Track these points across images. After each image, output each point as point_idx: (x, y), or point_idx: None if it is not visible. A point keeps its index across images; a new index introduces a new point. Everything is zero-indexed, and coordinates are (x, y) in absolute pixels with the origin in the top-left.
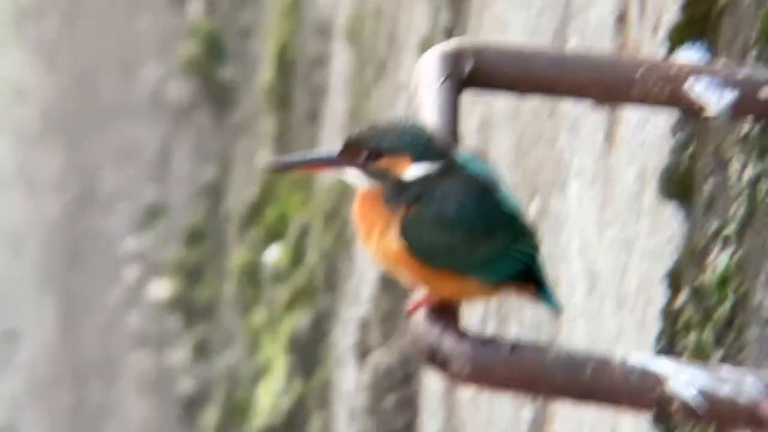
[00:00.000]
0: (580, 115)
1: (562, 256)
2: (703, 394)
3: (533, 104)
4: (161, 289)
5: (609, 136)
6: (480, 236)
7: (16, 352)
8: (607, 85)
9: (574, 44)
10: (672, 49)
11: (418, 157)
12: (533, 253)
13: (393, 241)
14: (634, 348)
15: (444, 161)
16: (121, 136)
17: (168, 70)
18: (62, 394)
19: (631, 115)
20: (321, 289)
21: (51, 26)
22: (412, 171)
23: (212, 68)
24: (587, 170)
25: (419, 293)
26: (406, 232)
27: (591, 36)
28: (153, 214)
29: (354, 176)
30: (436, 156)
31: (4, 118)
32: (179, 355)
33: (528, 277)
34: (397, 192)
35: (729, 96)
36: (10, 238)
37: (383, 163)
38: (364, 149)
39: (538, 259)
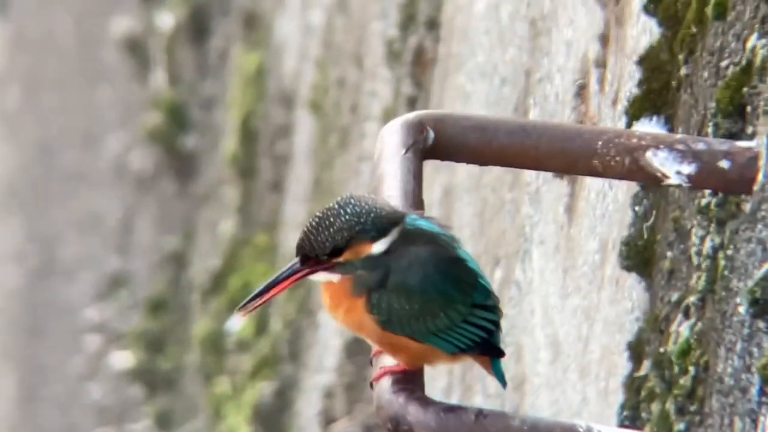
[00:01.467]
0: (542, 186)
1: (525, 325)
2: None
3: (495, 174)
4: (123, 359)
5: (570, 207)
6: (439, 307)
7: None
8: (568, 156)
9: (535, 115)
10: (631, 122)
11: (376, 237)
12: (492, 326)
13: (359, 313)
14: (598, 417)
15: (397, 226)
16: (83, 206)
17: (131, 140)
18: None
19: (591, 185)
20: (285, 358)
21: (12, 96)
22: (376, 248)
23: (175, 138)
24: (549, 240)
25: (382, 362)
26: (372, 306)
27: (552, 107)
28: (115, 284)
29: (323, 277)
30: (389, 227)
31: None
32: (141, 426)
33: (486, 346)
34: (363, 276)
35: (688, 167)
36: None
37: (347, 255)
38: (322, 253)
39: (498, 330)
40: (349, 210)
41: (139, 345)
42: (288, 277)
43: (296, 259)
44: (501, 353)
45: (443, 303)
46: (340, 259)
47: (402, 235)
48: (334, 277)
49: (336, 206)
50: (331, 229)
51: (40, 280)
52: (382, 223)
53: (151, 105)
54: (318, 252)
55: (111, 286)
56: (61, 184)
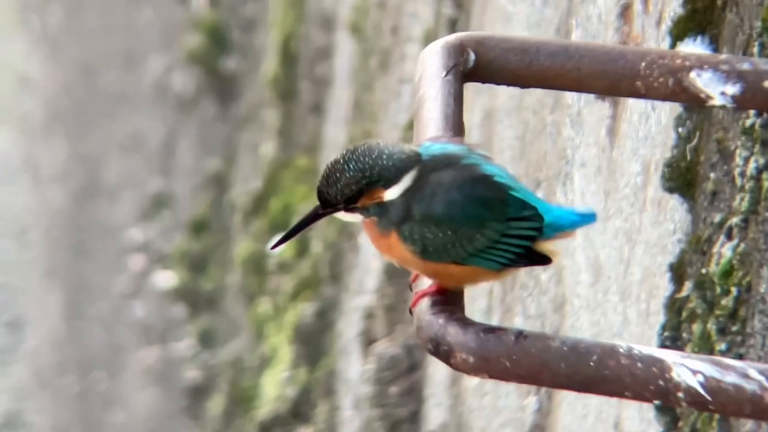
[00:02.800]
0: (584, 108)
1: (565, 247)
2: (708, 383)
3: (536, 96)
4: (166, 279)
5: (612, 129)
6: (472, 228)
7: (22, 341)
8: (611, 77)
9: (577, 36)
10: (675, 43)
11: (387, 184)
12: (535, 233)
13: (398, 248)
14: (638, 338)
15: (413, 168)
16: (125, 127)
17: (172, 62)
18: (67, 383)
19: (634, 107)
20: (325, 279)
21: (55, 17)
22: (389, 194)
23: (216, 60)
24: (590, 163)
25: (420, 286)
26: (404, 239)
27: (594, 28)
28: (157, 205)
29: (345, 218)
30: (400, 173)
31: (8, 109)
32: (184, 344)
33: (531, 256)
34: (386, 214)
35: (732, 88)
36: (16, 229)
37: (362, 202)
38: (337, 203)
39: (540, 236)
40: (352, 165)
41: (182, 265)
42: (310, 220)
43: (317, 204)
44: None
45: (475, 224)
46: (358, 204)
47: (421, 171)
48: (357, 218)
49: (341, 160)
50: (339, 184)
51: (84, 200)
52: (390, 171)
53: (192, 26)
54: (333, 202)
55: (153, 207)
56: (103, 105)
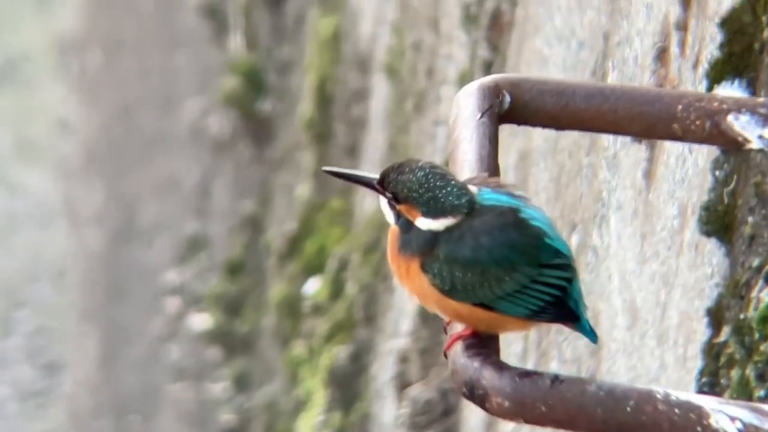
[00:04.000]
0: (620, 150)
1: (602, 291)
2: (747, 430)
3: (572, 139)
4: (201, 321)
5: (648, 172)
6: (502, 271)
7: (58, 384)
8: (647, 120)
9: (613, 79)
10: (712, 86)
11: (426, 213)
12: (565, 283)
13: (420, 281)
14: (676, 384)
15: (456, 217)
16: (162, 169)
17: (208, 104)
18: (103, 425)
19: (671, 150)
20: (360, 322)
21: (93, 60)
22: (421, 222)
23: (252, 102)
24: (627, 205)
25: (455, 329)
26: (433, 276)
27: (630, 71)
28: (193, 247)
29: (384, 207)
30: (447, 212)
31: (47, 151)
32: (219, 387)
33: (563, 306)
34: (410, 235)
35: None
36: (53, 272)
37: (401, 207)
38: (389, 189)
39: (574, 287)
40: (419, 175)
41: (217, 307)
42: (364, 180)
43: (376, 177)
44: (576, 317)
45: (505, 267)
46: (398, 206)
47: (461, 221)
48: (390, 216)
49: (419, 165)
50: (398, 177)
51: (121, 242)
52: (437, 206)
53: (228, 69)
54: (384, 187)
55: (189, 249)
56: (141, 148)
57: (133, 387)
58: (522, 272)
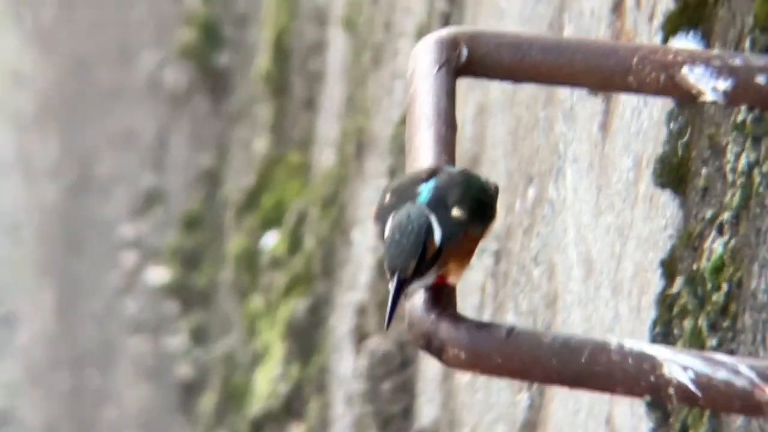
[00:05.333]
0: (576, 103)
1: (557, 243)
2: (699, 379)
3: (529, 92)
4: (159, 274)
5: (604, 124)
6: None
7: (14, 337)
8: (603, 73)
9: (569, 32)
10: (667, 38)
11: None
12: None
13: (468, 244)
14: (630, 335)
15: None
16: (118, 122)
17: (165, 57)
18: (60, 379)
19: (626, 103)
20: (318, 275)
21: (48, 12)
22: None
23: (209, 55)
24: (583, 158)
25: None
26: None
27: (587, 24)
28: (150, 200)
29: (425, 284)
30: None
31: (0, 103)
32: (177, 340)
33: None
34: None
35: (724, 83)
36: (8, 224)
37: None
38: (409, 271)
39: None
40: (396, 237)
41: (174, 261)
42: (399, 298)
43: (395, 284)
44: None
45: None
46: (429, 270)
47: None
48: (431, 278)
49: (401, 219)
50: (394, 252)
51: (76, 195)
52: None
53: (184, 21)
54: (399, 269)
55: (146, 203)
56: (96, 100)
57: (90, 340)
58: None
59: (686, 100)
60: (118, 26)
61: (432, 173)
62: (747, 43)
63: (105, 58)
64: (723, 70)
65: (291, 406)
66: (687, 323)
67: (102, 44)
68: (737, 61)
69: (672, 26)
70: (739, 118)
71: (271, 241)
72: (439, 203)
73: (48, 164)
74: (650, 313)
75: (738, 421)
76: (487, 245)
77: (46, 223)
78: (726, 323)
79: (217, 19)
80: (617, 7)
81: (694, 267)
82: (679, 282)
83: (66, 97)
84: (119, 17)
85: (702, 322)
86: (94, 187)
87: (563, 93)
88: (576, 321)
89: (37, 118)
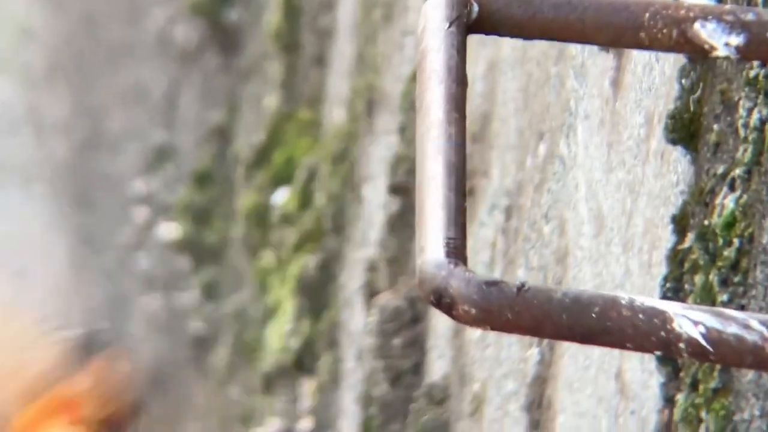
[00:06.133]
0: (588, 60)
1: (568, 200)
2: (710, 334)
3: (540, 48)
4: (170, 230)
5: (616, 81)
6: None
7: (27, 291)
8: (615, 29)
9: None
10: None
11: None
12: None
13: None
14: (640, 289)
15: None
16: (128, 79)
17: (175, 13)
18: (73, 333)
19: (638, 59)
20: (328, 231)
21: None
22: None
23: (219, 11)
24: (594, 114)
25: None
26: None
27: None
28: (161, 156)
29: None
30: None
31: (10, 59)
32: (188, 296)
33: None
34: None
35: (737, 39)
36: (20, 179)
37: None
38: None
39: None
40: None
41: (186, 217)
42: None
43: None
44: None
45: None
46: None
47: None
48: None
49: None
50: None
51: (87, 151)
52: None
53: None
54: None
55: (157, 159)
56: (106, 57)
57: (102, 296)
58: None
59: (698, 55)
60: None
61: None
62: None
63: (115, 14)
64: (735, 25)
65: (302, 362)
66: (698, 279)
67: (112, 0)
68: (750, 16)
69: None
70: (752, 73)
71: (282, 197)
72: None
73: (58, 120)
74: (661, 269)
75: (749, 375)
76: (498, 201)
77: (57, 178)
78: (737, 278)
79: None
80: None
81: (706, 223)
82: (690, 238)
83: (76, 54)
84: None
85: (713, 278)
86: (105, 143)
87: (574, 49)
88: (586, 277)
89: (47, 74)
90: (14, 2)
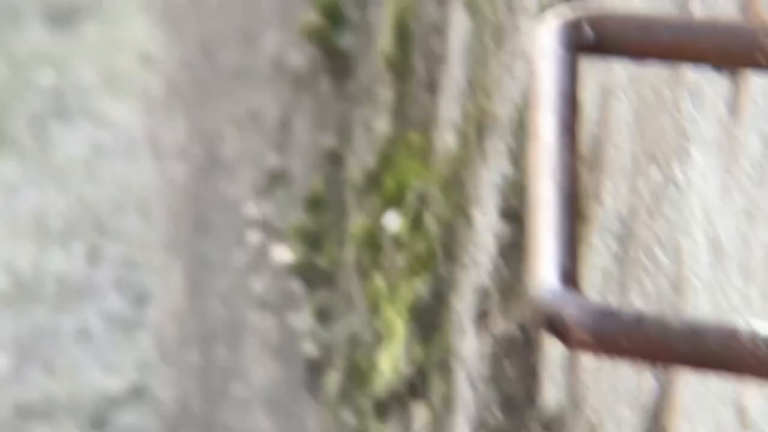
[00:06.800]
0: (704, 83)
1: (684, 226)
2: None
3: (655, 71)
4: (283, 253)
5: (733, 105)
6: None
7: (146, 313)
8: (732, 51)
9: (698, 11)
10: None
11: None
12: None
13: None
14: (761, 319)
15: None
16: (242, 103)
17: (288, 38)
18: (191, 356)
19: (756, 82)
20: (439, 256)
21: None
22: None
23: (332, 36)
24: (710, 139)
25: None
26: None
27: (715, 1)
28: (274, 180)
29: None
30: None
31: (130, 84)
32: (301, 319)
33: None
34: None
35: None
36: (139, 203)
37: None
38: None
39: None
40: None
41: (298, 240)
42: None
43: None
44: None
45: None
46: None
47: None
48: None
49: None
50: None
51: (203, 175)
52: None
53: (309, 3)
54: None
55: (270, 183)
56: (222, 82)
57: (218, 318)
58: None
59: None
60: (243, 8)
61: None
62: None
63: (230, 39)
64: None
65: (415, 387)
66: None
67: (227, 26)
68: None
69: None
70: None
71: (393, 221)
72: None
73: (176, 144)
74: None
75: None
76: (610, 226)
77: (174, 202)
78: None
79: (342, 0)
80: None
81: None
82: None
83: (192, 79)
84: (244, 0)
85: None
86: (220, 167)
87: (690, 72)
88: (704, 305)
89: (165, 99)
90: (136, 29)
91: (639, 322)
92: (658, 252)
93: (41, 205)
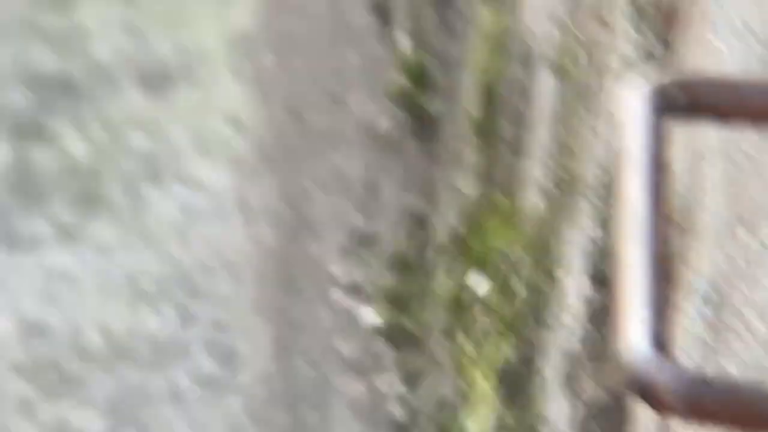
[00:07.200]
0: None
1: None
2: None
3: (748, 137)
4: (370, 315)
5: None
6: None
7: (236, 374)
8: None
9: None
10: None
11: None
12: None
13: None
14: None
15: None
16: (330, 165)
17: (375, 101)
18: (279, 418)
19: None
20: (527, 320)
21: (267, 60)
22: None
23: (418, 98)
24: None
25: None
26: None
27: None
28: (361, 242)
29: None
30: None
31: (221, 148)
32: (388, 381)
33: None
34: None
35: None
36: (230, 265)
37: None
38: None
39: None
40: None
41: (385, 302)
42: None
43: None
44: None
45: None
46: None
47: None
48: None
49: None
50: None
51: (291, 237)
52: None
53: (394, 66)
54: None
55: (357, 244)
56: (309, 145)
57: (305, 379)
58: None
59: None
60: (331, 71)
61: None
62: None
63: (317, 103)
64: None
65: None
66: None
67: (315, 89)
68: None
69: None
70: None
71: (479, 284)
72: None
73: (265, 206)
74: None
75: None
76: (702, 292)
77: (263, 263)
78: None
79: (427, 63)
80: None
81: None
82: None
83: (281, 142)
84: (333, 63)
85: None
86: (308, 229)
87: None
88: None
89: (255, 161)
90: (224, 92)
91: (732, 389)
92: (753, 318)
93: (134, 267)
